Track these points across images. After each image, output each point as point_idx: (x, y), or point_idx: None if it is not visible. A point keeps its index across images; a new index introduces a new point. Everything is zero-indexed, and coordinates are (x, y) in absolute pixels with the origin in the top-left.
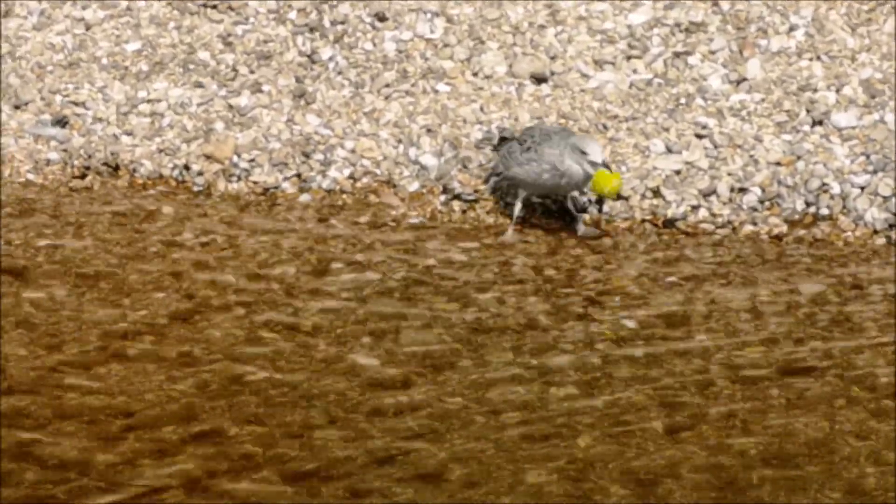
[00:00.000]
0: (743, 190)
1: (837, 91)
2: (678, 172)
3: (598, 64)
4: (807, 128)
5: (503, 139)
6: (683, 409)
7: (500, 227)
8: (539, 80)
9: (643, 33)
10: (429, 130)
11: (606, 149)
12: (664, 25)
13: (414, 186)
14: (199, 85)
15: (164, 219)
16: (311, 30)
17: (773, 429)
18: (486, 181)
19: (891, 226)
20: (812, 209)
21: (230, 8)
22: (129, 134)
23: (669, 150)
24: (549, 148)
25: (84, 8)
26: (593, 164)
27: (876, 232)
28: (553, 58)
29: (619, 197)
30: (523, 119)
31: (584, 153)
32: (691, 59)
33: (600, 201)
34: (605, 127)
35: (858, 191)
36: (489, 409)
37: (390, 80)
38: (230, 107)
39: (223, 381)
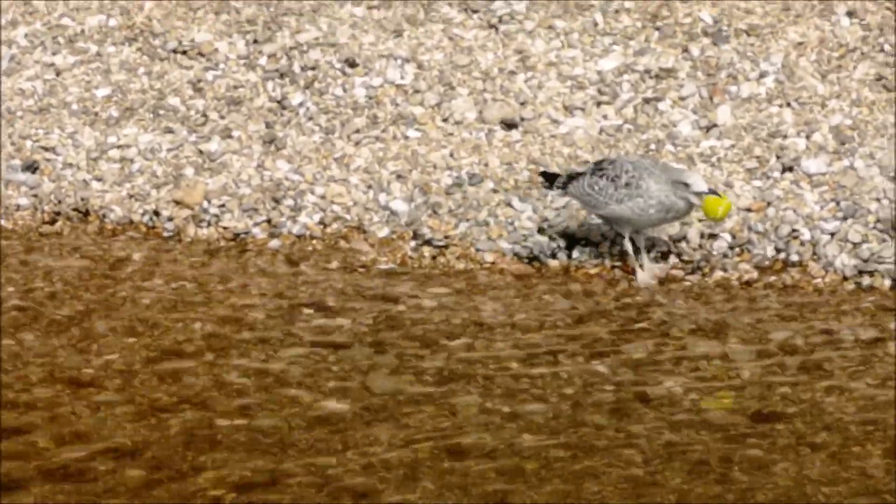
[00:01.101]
0: (713, 236)
1: (807, 137)
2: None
3: (569, 110)
4: (777, 174)
5: (570, 177)
6: (654, 455)
7: (470, 273)
8: (509, 125)
9: (613, 79)
10: (399, 176)
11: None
12: (634, 71)
13: (384, 232)
14: (170, 130)
15: (133, 264)
16: (282, 75)
17: (743, 475)
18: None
19: (860, 272)
20: (782, 255)
21: (200, 54)
22: (99, 179)
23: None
24: (654, 183)
25: (54, 53)
26: (698, 194)
27: (846, 278)
28: (523, 104)
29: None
30: (493, 164)
31: (686, 185)
32: (661, 105)
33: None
34: None
35: (828, 237)
36: (458, 454)
37: (361, 125)
38: (200, 152)
39: (193, 427)
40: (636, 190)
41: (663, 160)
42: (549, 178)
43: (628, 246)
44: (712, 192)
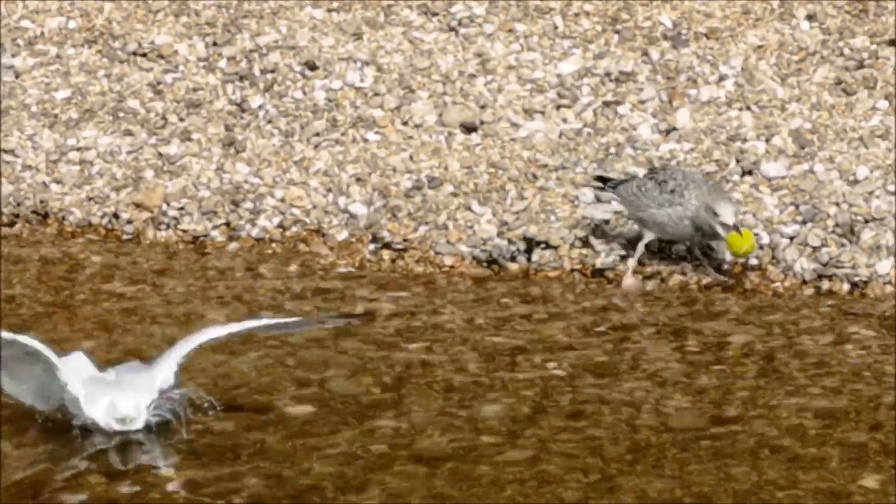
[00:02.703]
0: (673, 241)
1: (767, 141)
2: (607, 222)
3: (528, 113)
4: (736, 177)
5: (624, 180)
6: (611, 459)
7: (430, 276)
8: (469, 129)
9: (573, 83)
10: (358, 179)
11: (536, 197)
12: (594, 75)
13: (343, 235)
14: (129, 133)
15: (92, 267)
16: (241, 78)
17: (701, 479)
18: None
19: (820, 276)
20: (741, 259)
21: (160, 56)
22: (58, 182)
23: (599, 200)
24: (695, 199)
25: (13, 55)
26: (724, 226)
27: (805, 282)
28: (483, 107)
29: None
30: (453, 168)
31: (715, 213)
32: (621, 109)
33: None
34: (534, 176)
35: (788, 241)
36: (417, 458)
37: (320, 128)
38: (160, 155)
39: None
40: (678, 198)
41: (719, 181)
42: (603, 181)
43: (642, 250)
44: (735, 228)
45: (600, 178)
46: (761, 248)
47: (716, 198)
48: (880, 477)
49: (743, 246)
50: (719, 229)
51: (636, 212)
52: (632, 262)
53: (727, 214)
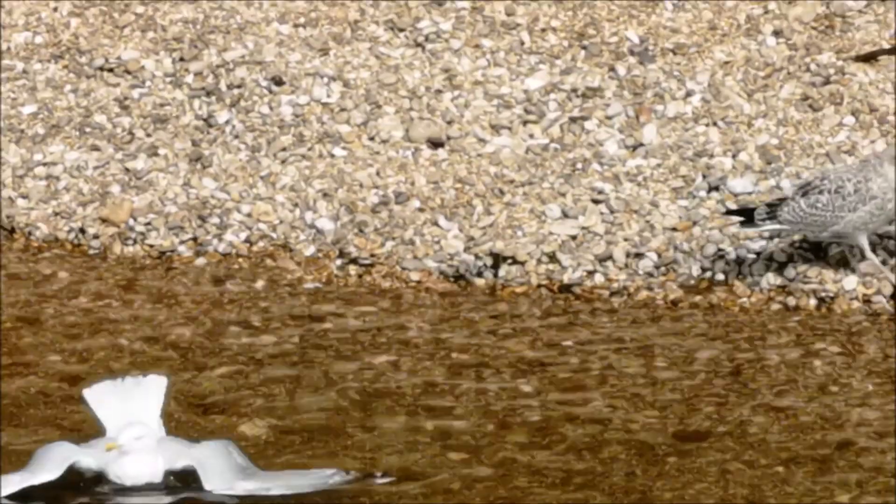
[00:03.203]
0: (639, 255)
1: (734, 156)
2: (574, 237)
3: (495, 129)
4: (703, 193)
5: (771, 206)
6: (578, 475)
7: (396, 292)
8: (436, 144)
9: (540, 98)
10: (325, 195)
11: (503, 213)
12: (561, 90)
13: (310, 251)
14: (96, 148)
15: (59, 282)
16: (208, 93)
17: (669, 495)
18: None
19: (786, 292)
20: (708, 275)
21: (127, 71)
22: (24, 197)
23: (566, 215)
24: (878, 178)
25: None
26: None
27: (771, 298)
28: (450, 122)
29: None
30: (420, 183)
31: None
32: (588, 124)
33: None
34: (501, 192)
35: (754, 256)
36: (383, 472)
37: (287, 143)
38: (126, 170)
39: None
40: (865, 193)
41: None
42: (744, 213)
43: (870, 253)
44: None
45: (736, 213)
46: (727, 263)
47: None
48: (849, 494)
49: None
50: None
51: (827, 228)
52: (885, 270)
53: None
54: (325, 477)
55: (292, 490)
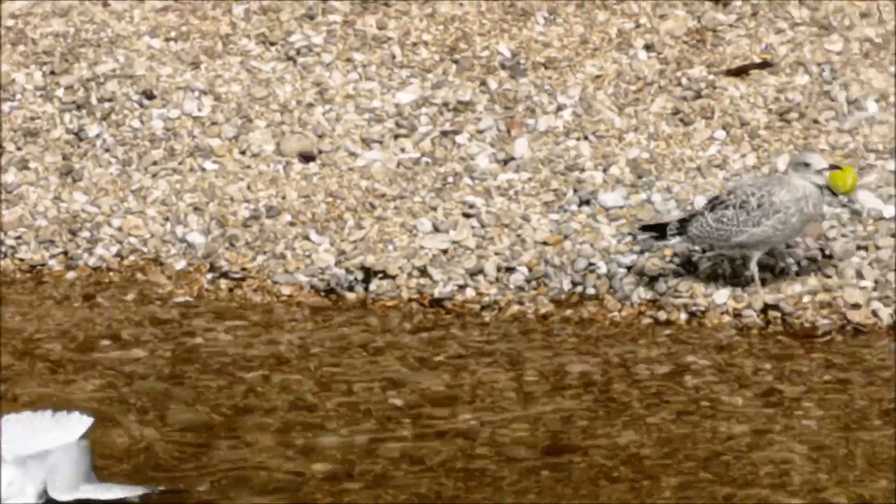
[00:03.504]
0: (510, 269)
1: (605, 170)
2: (445, 252)
3: (366, 142)
4: (574, 207)
5: (682, 221)
6: (449, 489)
7: (267, 306)
8: (307, 158)
9: (411, 112)
10: (196, 208)
11: (374, 227)
12: (432, 104)
13: (181, 264)
14: None
15: None
16: (79, 107)
17: None
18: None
19: (657, 306)
20: (579, 289)
21: None
22: None
23: (437, 230)
24: (782, 192)
25: None
26: (820, 172)
27: (642, 312)
28: (321, 136)
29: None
30: (291, 197)
31: (807, 165)
32: (459, 138)
33: None
34: (372, 206)
35: (625, 270)
36: (251, 486)
37: (158, 157)
38: None
39: None
40: (768, 207)
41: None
42: (656, 229)
43: (755, 269)
44: (832, 167)
45: (649, 228)
46: (598, 277)
47: (800, 154)
48: None
49: (847, 178)
50: (816, 179)
51: (730, 240)
52: (758, 286)
53: (817, 160)
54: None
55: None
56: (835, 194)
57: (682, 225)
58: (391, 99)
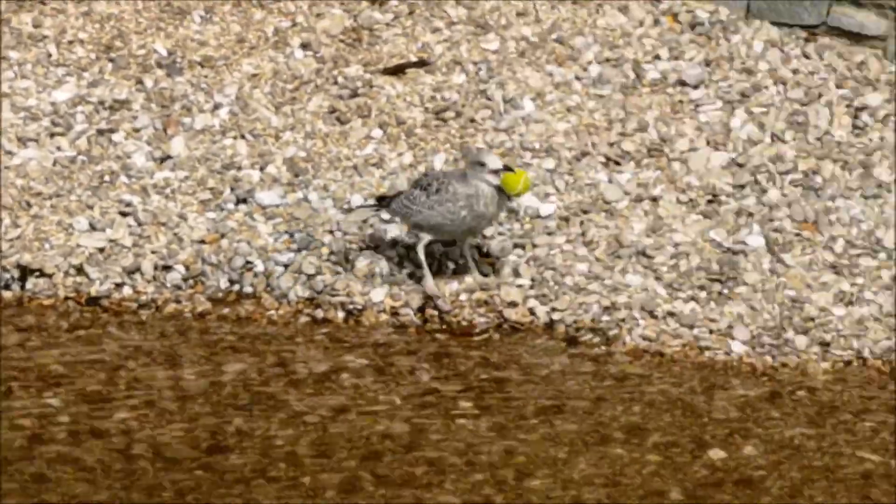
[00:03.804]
0: (167, 268)
1: (262, 169)
2: (102, 250)
3: (22, 141)
4: (231, 206)
5: (383, 197)
6: (104, 489)
7: None
8: None
9: (67, 110)
10: None
11: (30, 225)
12: (88, 103)
13: None
14: None
15: None
16: None
17: None
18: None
19: (315, 304)
20: (236, 287)
21: None
22: None
23: (93, 228)
24: (458, 184)
25: None
26: (495, 172)
27: (300, 310)
28: None
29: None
30: None
31: (482, 165)
32: (115, 137)
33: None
34: (28, 204)
35: (282, 269)
36: None
37: None
38: None
39: None
40: (446, 194)
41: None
42: (382, 199)
43: (421, 253)
44: (506, 168)
45: (380, 198)
46: (256, 276)
47: (478, 153)
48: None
49: (518, 182)
50: (490, 178)
51: (410, 218)
52: (425, 270)
53: (493, 160)
54: None
55: None
56: (508, 197)
57: (394, 198)
58: (47, 97)
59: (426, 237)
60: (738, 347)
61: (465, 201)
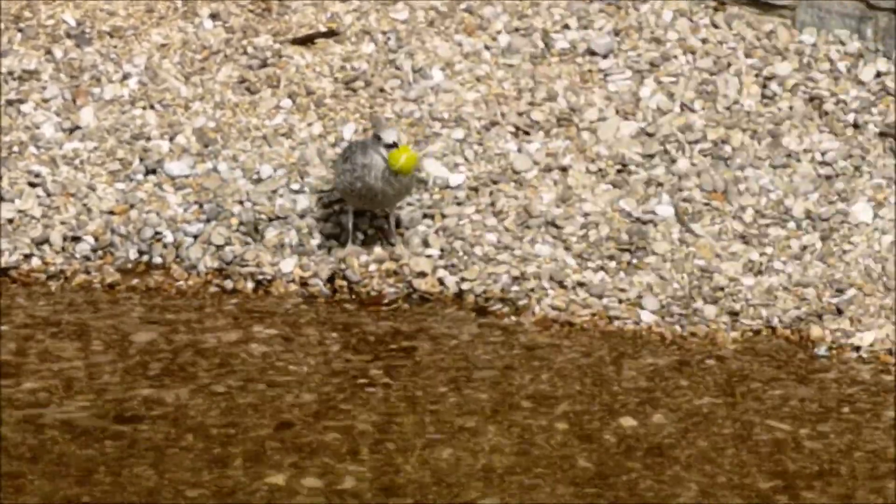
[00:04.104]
0: (76, 239)
1: (171, 140)
2: (11, 221)
3: None
4: (140, 176)
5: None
6: (14, 459)
7: None
8: None
9: None
10: None
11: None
12: None
13: None
14: None
15: None
16: None
17: (105, 479)
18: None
19: (224, 275)
20: (145, 258)
21: None
22: None
23: (2, 199)
24: (360, 154)
25: None
26: (387, 146)
27: (209, 281)
28: None
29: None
30: None
31: (379, 139)
32: (24, 107)
33: None
34: None
35: (192, 239)
36: None
37: None
38: None
39: None
40: (350, 164)
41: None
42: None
43: (350, 220)
44: (394, 145)
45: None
46: (165, 247)
47: (376, 130)
48: (284, 475)
49: (400, 157)
50: (383, 151)
51: (331, 184)
52: (349, 232)
53: (388, 134)
54: None
55: None
56: (395, 173)
57: None
58: None
59: (349, 206)
60: (647, 317)
61: (360, 171)
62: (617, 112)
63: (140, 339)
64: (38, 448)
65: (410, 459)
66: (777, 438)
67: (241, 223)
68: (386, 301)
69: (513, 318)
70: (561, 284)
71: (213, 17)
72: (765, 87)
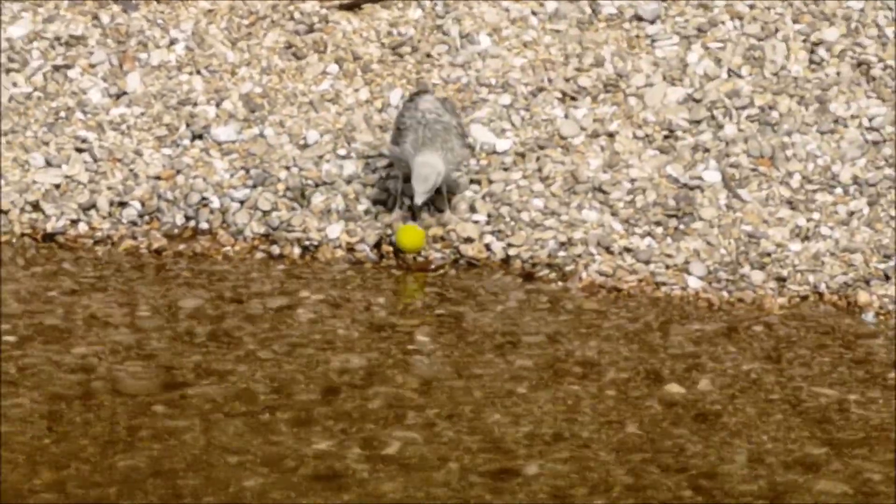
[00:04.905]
0: (123, 204)
1: (217, 105)
2: (58, 186)
3: None
4: (187, 142)
5: None
6: (68, 423)
7: None
8: None
9: (23, 46)
10: None
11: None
12: (44, 39)
13: None
14: None
15: None
16: None
17: (153, 445)
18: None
19: (270, 240)
20: (192, 223)
21: None
22: None
23: (49, 164)
24: (410, 144)
25: None
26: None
27: (255, 246)
28: None
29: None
30: None
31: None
32: (71, 73)
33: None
34: None
35: (238, 205)
36: None
37: None
38: None
39: None
40: (401, 138)
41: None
42: None
43: (397, 186)
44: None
45: None
46: (211, 212)
47: (421, 159)
48: (332, 440)
49: (402, 241)
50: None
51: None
52: (397, 200)
53: (417, 192)
54: None
55: None
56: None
57: None
58: (2, 33)
59: (397, 170)
60: (694, 283)
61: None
62: (664, 78)
63: (187, 305)
64: (85, 412)
65: (457, 425)
66: (825, 404)
67: (287, 189)
68: (433, 266)
69: (559, 283)
70: (608, 250)
71: None
72: (812, 52)
